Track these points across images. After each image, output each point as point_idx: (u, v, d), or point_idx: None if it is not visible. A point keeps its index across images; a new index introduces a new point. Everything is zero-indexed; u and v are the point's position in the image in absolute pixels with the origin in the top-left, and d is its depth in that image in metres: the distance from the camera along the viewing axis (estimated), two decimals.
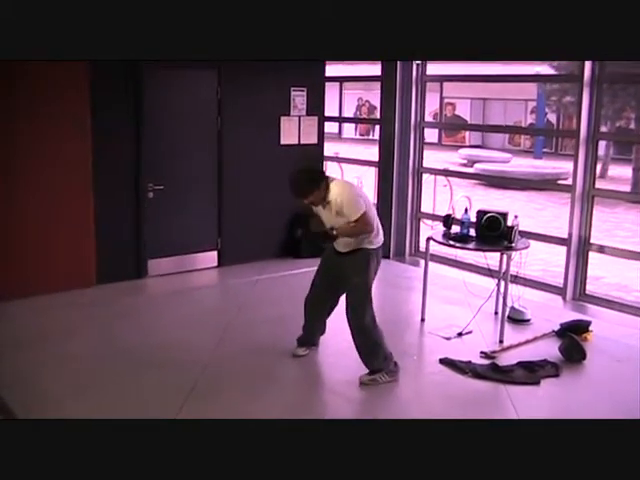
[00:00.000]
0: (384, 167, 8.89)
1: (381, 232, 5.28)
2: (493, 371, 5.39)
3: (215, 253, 8.29)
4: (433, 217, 9.50)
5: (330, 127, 26.92)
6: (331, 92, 26.37)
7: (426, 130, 9.17)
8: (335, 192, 4.99)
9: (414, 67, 8.58)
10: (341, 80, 13.90)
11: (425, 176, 9.48)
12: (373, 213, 5.20)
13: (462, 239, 6.31)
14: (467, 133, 29.35)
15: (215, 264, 8.29)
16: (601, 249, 7.42)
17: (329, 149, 10.00)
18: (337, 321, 5.48)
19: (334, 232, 5.05)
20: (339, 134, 29.13)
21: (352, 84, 29.18)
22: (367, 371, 5.21)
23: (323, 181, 5.03)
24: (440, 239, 6.40)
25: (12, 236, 6.81)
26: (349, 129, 30.86)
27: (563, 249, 7.39)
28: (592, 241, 7.30)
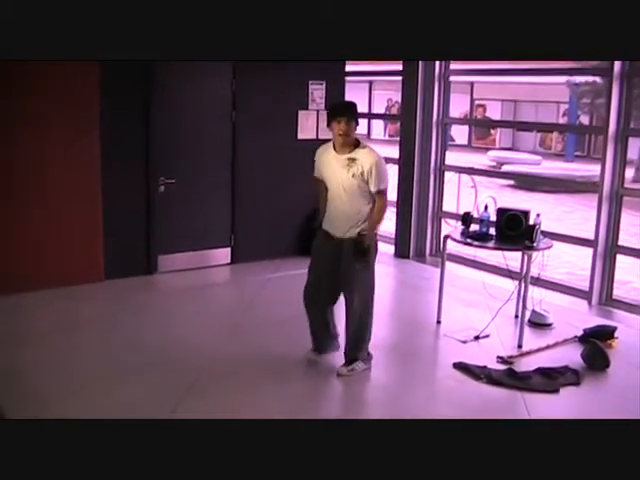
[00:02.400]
0: (405, 165, 8.61)
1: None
2: (509, 377, 5.08)
3: (228, 250, 8.07)
4: (456, 217, 9.18)
5: (359, 127, 26.92)
6: (360, 93, 26.25)
7: (455, 132, 8.94)
8: (367, 156, 4.81)
9: (437, 62, 8.29)
10: (361, 74, 13.55)
11: (449, 175, 9.20)
12: None
13: (481, 238, 6.02)
14: (497, 135, 28.93)
15: (228, 261, 8.07)
16: (631, 252, 7.07)
17: None
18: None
19: (364, 241, 4.84)
20: (368, 135, 28.91)
21: (382, 85, 28.98)
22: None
23: (357, 124, 4.87)
24: (458, 238, 6.11)
25: (21, 230, 6.67)
26: (378, 130, 30.62)
27: (590, 252, 7.06)
28: (621, 243, 6.97)
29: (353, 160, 4.79)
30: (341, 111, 4.89)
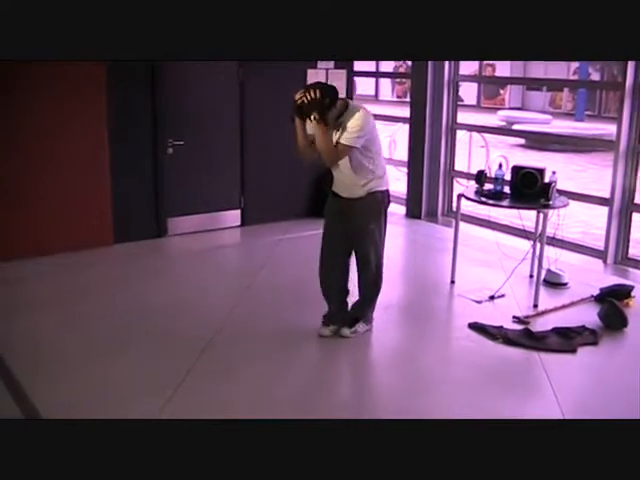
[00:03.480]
0: (416, 123, 8.47)
1: (387, 176, 4.86)
2: (526, 337, 5.01)
3: (238, 212, 7.99)
4: (468, 176, 9.06)
5: (367, 89, 26.59)
6: None
7: (464, 92, 8.74)
8: (351, 117, 4.49)
9: None
10: None
11: (460, 134, 9.06)
12: (380, 153, 4.80)
13: (495, 196, 5.89)
14: (506, 95, 28.62)
15: (238, 223, 8.00)
16: None
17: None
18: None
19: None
20: (375, 96, 28.67)
21: None
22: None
23: (336, 100, 4.53)
24: (472, 196, 6.00)
25: (28, 195, 6.59)
26: (386, 91, 30.35)
27: (604, 210, 6.95)
28: (637, 202, 6.85)
29: (341, 125, 4.54)
30: (305, 111, 4.52)
